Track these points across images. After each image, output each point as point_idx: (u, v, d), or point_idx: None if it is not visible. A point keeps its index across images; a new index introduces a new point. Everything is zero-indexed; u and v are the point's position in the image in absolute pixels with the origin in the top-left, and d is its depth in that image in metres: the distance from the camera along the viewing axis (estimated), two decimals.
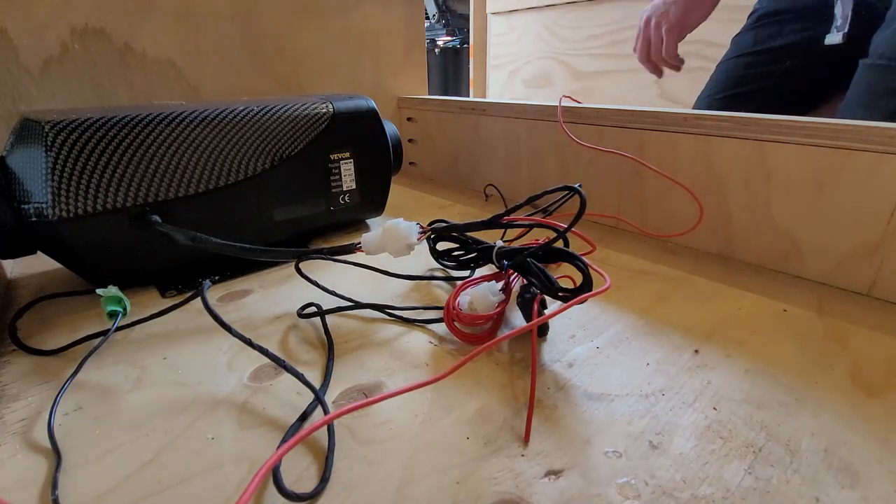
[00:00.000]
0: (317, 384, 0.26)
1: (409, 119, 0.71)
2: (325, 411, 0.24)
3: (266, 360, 0.27)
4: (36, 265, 0.41)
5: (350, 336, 0.31)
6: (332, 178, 0.44)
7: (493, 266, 0.33)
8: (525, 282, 0.31)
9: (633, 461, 0.21)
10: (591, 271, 0.27)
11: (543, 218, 0.33)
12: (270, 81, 0.62)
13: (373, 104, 0.46)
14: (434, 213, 0.55)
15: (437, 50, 2.45)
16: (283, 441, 0.22)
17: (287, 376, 0.26)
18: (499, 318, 0.31)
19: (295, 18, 0.62)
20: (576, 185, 0.30)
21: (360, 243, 0.34)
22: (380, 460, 0.21)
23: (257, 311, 0.34)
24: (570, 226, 0.28)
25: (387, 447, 0.22)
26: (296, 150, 0.41)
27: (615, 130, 0.45)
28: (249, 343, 0.26)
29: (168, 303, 0.32)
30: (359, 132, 0.45)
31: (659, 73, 0.81)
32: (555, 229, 0.30)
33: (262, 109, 0.40)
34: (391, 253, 0.33)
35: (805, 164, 0.35)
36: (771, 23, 0.72)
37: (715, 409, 0.24)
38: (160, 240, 0.33)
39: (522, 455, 0.21)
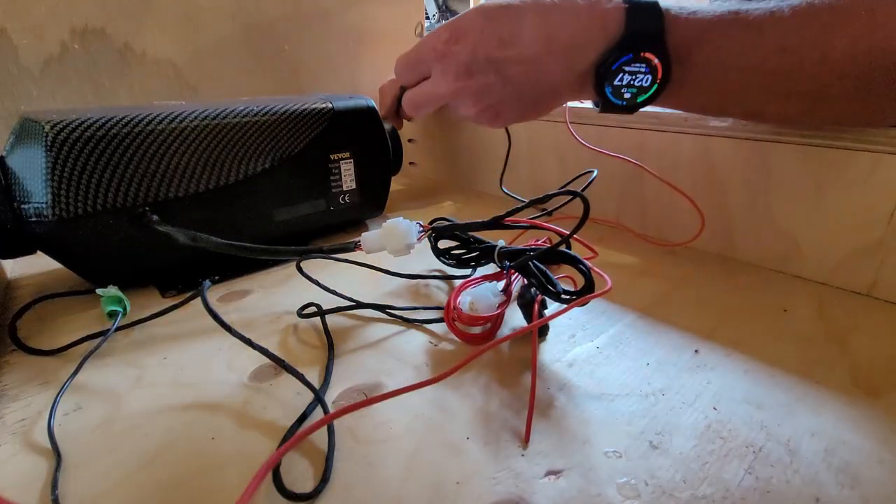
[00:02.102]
0: (317, 384, 0.26)
1: (408, 119, 0.71)
2: (325, 411, 0.24)
3: (266, 360, 0.27)
4: (36, 265, 0.41)
5: (350, 336, 0.31)
6: (332, 178, 0.44)
7: (495, 266, 0.33)
8: (526, 282, 0.31)
9: (633, 461, 0.21)
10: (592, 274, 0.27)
11: (545, 220, 0.33)
12: (270, 81, 0.62)
13: (373, 104, 0.46)
14: (434, 212, 0.54)
15: None
16: (284, 441, 0.22)
17: (287, 376, 0.26)
18: (499, 319, 0.31)
19: (295, 18, 0.61)
20: (579, 191, 0.29)
21: (359, 241, 0.34)
22: (380, 460, 0.21)
23: (257, 311, 0.34)
24: (573, 232, 0.28)
25: (387, 447, 0.22)
26: (296, 150, 0.41)
27: (616, 130, 0.45)
28: (249, 343, 0.26)
29: (168, 303, 0.32)
30: (359, 132, 0.45)
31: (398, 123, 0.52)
32: (558, 234, 0.30)
33: (261, 109, 0.40)
34: (391, 252, 0.33)
35: (805, 164, 0.35)
36: None
37: (715, 409, 0.24)
38: (160, 240, 0.33)
39: (522, 455, 0.21)
